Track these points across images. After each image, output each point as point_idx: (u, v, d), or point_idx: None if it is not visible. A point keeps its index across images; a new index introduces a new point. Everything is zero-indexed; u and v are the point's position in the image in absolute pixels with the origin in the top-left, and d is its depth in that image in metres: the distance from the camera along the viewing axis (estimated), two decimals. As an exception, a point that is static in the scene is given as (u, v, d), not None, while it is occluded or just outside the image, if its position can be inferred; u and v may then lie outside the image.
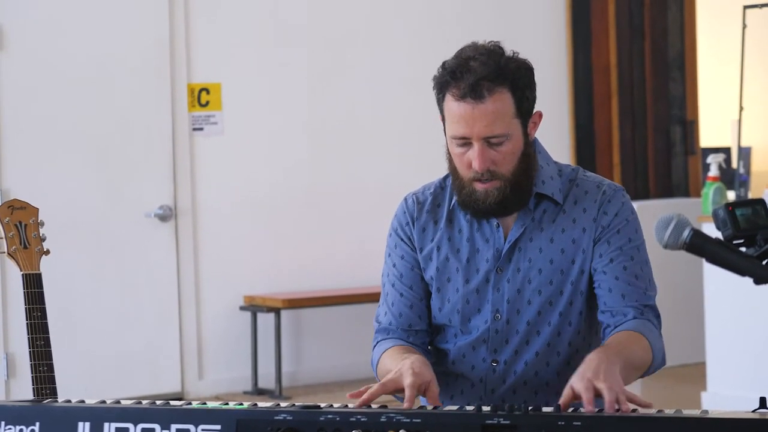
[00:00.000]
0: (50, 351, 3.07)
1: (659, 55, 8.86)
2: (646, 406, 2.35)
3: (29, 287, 3.11)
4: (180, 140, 7.52)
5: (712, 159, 7.29)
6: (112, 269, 7.30)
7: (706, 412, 2.23)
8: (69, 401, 2.51)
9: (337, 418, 2.27)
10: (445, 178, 2.91)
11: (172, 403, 2.44)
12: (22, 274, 3.13)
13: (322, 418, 2.28)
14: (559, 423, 2.19)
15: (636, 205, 7.90)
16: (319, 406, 2.34)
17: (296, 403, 2.38)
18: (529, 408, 2.26)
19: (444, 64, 2.77)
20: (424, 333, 2.89)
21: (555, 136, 8.45)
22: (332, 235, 7.99)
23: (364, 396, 2.45)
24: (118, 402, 2.46)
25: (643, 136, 8.85)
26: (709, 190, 7.08)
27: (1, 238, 3.15)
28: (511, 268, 2.82)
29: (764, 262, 2.29)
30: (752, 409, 2.26)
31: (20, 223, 3.16)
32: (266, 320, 7.73)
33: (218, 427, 2.31)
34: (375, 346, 2.91)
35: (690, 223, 2.32)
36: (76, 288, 7.15)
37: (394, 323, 2.89)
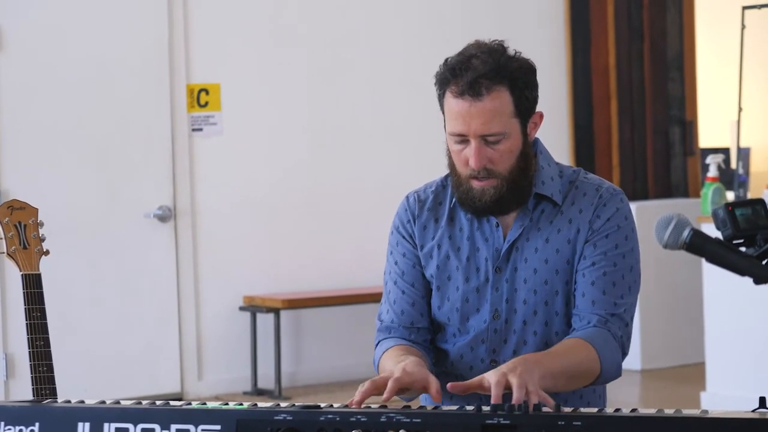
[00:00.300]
0: (50, 351, 3.07)
1: (658, 56, 8.86)
2: (551, 407, 2.36)
3: (29, 287, 3.11)
4: (179, 141, 7.52)
5: (711, 159, 7.30)
6: (111, 270, 7.30)
7: (706, 412, 2.23)
8: (69, 401, 2.51)
9: (337, 418, 2.27)
10: (447, 176, 2.91)
11: (172, 403, 2.44)
12: (22, 275, 3.13)
13: (322, 418, 2.28)
14: (559, 423, 2.19)
15: (635, 205, 7.91)
16: (319, 406, 2.34)
17: (296, 404, 2.37)
18: (529, 408, 2.26)
19: (446, 60, 2.78)
20: (425, 330, 2.90)
21: (554, 137, 8.45)
22: (332, 236, 7.99)
23: (357, 396, 2.46)
24: (117, 402, 2.46)
25: (643, 136, 8.86)
26: (709, 191, 7.09)
27: (1, 238, 3.15)
28: (509, 268, 2.83)
29: (764, 262, 2.29)
30: (752, 409, 2.26)
31: (20, 223, 3.16)
32: (266, 320, 7.72)
33: (218, 427, 2.31)
34: (377, 345, 2.91)
35: (690, 223, 2.32)
36: (75, 288, 7.15)
37: (396, 321, 2.89)
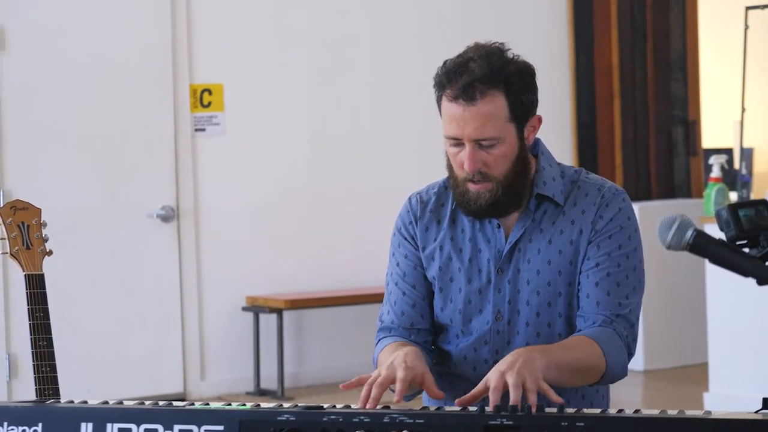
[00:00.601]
0: (53, 352, 3.07)
1: (661, 56, 8.86)
2: (555, 401, 2.36)
3: (32, 288, 3.11)
4: (182, 141, 7.52)
5: (714, 160, 7.29)
6: (114, 270, 7.30)
7: (709, 412, 2.22)
8: (72, 402, 2.51)
9: (340, 419, 2.28)
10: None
11: (175, 403, 2.44)
12: (25, 275, 3.13)
13: (324, 419, 2.28)
14: (562, 423, 2.19)
15: (638, 206, 7.91)
16: (322, 406, 2.34)
17: (299, 404, 2.38)
18: (532, 409, 2.26)
19: (445, 62, 2.78)
20: (426, 332, 2.90)
21: (557, 137, 8.45)
22: (334, 236, 7.99)
23: (370, 403, 2.46)
24: (120, 403, 2.46)
25: (645, 136, 8.85)
26: (712, 191, 7.08)
27: (4, 238, 3.15)
28: (512, 269, 2.83)
29: (767, 263, 2.29)
30: (755, 410, 2.26)
31: (23, 223, 3.17)
32: (268, 321, 7.73)
33: (221, 427, 2.31)
34: (377, 343, 2.92)
35: (693, 224, 2.32)
36: (78, 288, 7.15)
37: (396, 322, 2.90)
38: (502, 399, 2.66)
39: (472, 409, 2.36)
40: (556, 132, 8.49)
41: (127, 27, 7.34)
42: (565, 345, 2.68)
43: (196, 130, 7.59)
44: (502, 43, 2.78)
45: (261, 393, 7.65)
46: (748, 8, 7.57)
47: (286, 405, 2.38)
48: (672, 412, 2.25)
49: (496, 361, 2.82)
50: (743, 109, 7.53)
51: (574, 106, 8.75)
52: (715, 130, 9.70)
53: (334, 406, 2.37)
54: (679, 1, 8.91)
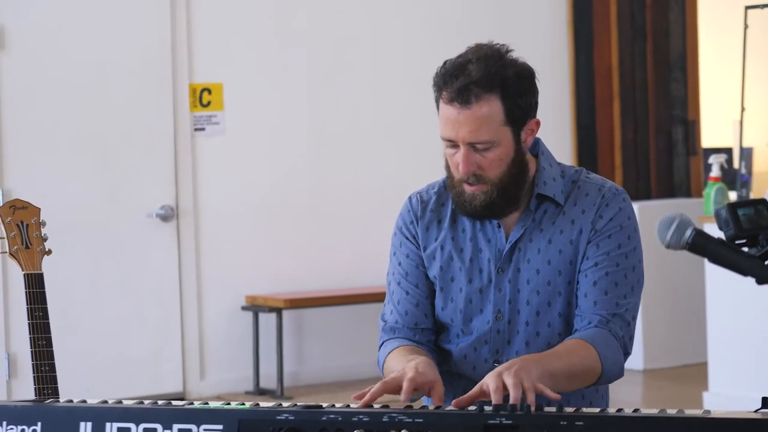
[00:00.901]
0: (52, 351, 3.07)
1: (661, 56, 8.86)
2: (554, 399, 2.37)
3: (31, 287, 3.11)
4: (182, 140, 7.52)
5: (713, 159, 7.29)
6: (113, 269, 7.30)
7: (708, 412, 2.22)
8: (71, 401, 2.51)
9: (339, 418, 2.27)
10: (448, 177, 2.91)
11: (174, 403, 2.44)
12: (24, 274, 3.13)
13: (324, 418, 2.28)
14: (562, 423, 2.19)
15: (638, 205, 7.91)
16: (321, 406, 2.34)
17: (298, 403, 2.37)
18: (531, 408, 2.26)
19: (445, 63, 2.77)
20: (429, 331, 2.90)
21: (557, 138, 8.45)
22: (334, 235, 7.99)
23: (366, 397, 2.45)
24: (120, 402, 2.46)
25: (645, 136, 8.85)
26: (711, 191, 7.08)
27: (3, 237, 3.15)
28: (512, 269, 2.83)
29: (766, 262, 2.29)
30: (754, 409, 2.26)
31: (22, 222, 3.16)
32: (268, 320, 7.73)
33: (220, 427, 2.31)
34: (381, 346, 2.91)
35: (692, 223, 2.32)
36: (77, 288, 7.15)
37: (399, 322, 2.89)
38: (505, 400, 2.67)
39: (471, 408, 2.36)
40: (556, 132, 8.49)
41: (126, 26, 7.34)
42: (558, 352, 2.68)
43: (196, 129, 7.59)
44: (503, 45, 2.77)
45: (260, 392, 7.65)
46: (747, 8, 7.57)
47: (285, 404, 2.38)
48: (671, 412, 2.25)
49: (495, 360, 2.83)
50: (743, 109, 7.53)
51: (573, 107, 8.75)
52: (715, 130, 9.70)
53: (334, 406, 2.37)
54: (678, 1, 8.91)
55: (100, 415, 2.39)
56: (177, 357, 7.51)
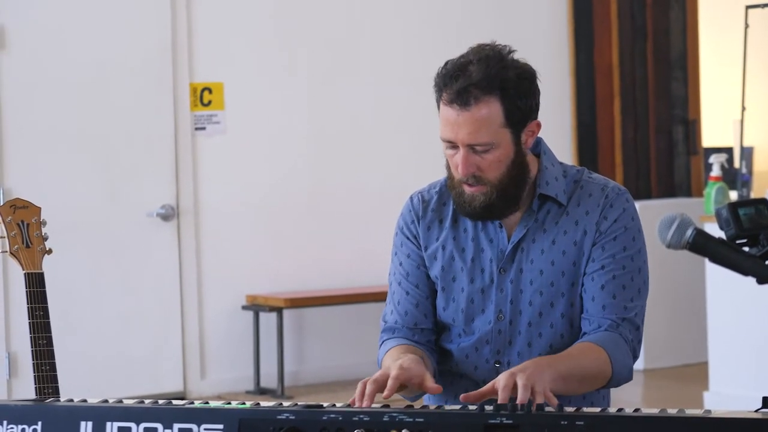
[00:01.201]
0: (52, 350, 3.07)
1: (661, 55, 8.86)
2: (554, 407, 2.38)
3: (31, 286, 3.11)
4: (182, 140, 7.52)
5: (714, 159, 7.29)
6: (114, 268, 7.30)
7: (709, 411, 2.22)
8: (71, 400, 2.51)
9: (340, 418, 2.27)
10: (449, 177, 2.91)
11: (175, 402, 2.44)
12: (25, 274, 3.13)
13: (324, 418, 2.28)
14: (562, 422, 2.19)
15: (638, 205, 7.88)
16: (322, 405, 2.34)
17: (299, 403, 2.37)
18: (532, 408, 2.26)
19: (446, 63, 2.77)
20: (429, 331, 2.90)
21: (557, 137, 8.45)
22: (334, 235, 7.99)
23: (365, 401, 2.46)
24: (120, 401, 2.46)
25: (646, 136, 8.85)
26: (712, 190, 7.08)
27: (3, 237, 3.15)
28: (514, 269, 2.82)
29: (767, 262, 2.29)
30: (755, 409, 2.26)
31: (22, 222, 3.17)
32: (268, 320, 7.73)
33: (221, 426, 2.31)
34: (381, 345, 2.91)
35: (693, 223, 2.32)
36: (78, 287, 7.15)
37: (399, 322, 2.89)
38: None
39: (471, 407, 2.36)
40: (556, 131, 8.49)
41: (127, 26, 7.34)
42: (571, 354, 2.69)
43: (197, 128, 7.59)
44: (504, 46, 2.76)
45: (261, 392, 7.65)
46: (748, 7, 7.57)
47: (285, 404, 2.38)
48: (672, 411, 2.25)
49: (497, 361, 2.83)
50: (743, 108, 7.53)
51: (574, 106, 8.75)
52: (716, 129, 9.70)
53: (334, 405, 2.37)
54: (679, 0, 8.91)
55: (101, 414, 2.39)
56: (177, 356, 7.51)
